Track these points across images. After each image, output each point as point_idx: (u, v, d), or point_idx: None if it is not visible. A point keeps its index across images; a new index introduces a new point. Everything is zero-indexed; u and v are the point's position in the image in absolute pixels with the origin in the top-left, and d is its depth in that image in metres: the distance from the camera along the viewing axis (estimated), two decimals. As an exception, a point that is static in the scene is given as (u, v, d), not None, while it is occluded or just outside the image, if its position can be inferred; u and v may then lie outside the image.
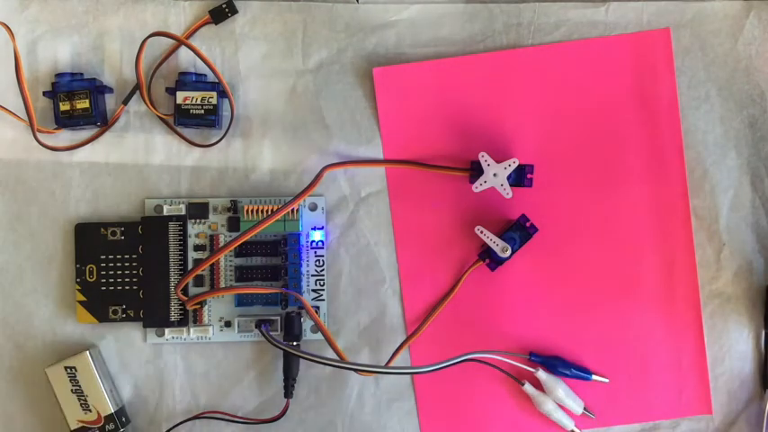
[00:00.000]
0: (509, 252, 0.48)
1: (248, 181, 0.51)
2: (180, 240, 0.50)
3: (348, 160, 0.51)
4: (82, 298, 0.50)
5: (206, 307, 0.51)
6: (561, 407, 0.50)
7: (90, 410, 0.49)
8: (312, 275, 0.51)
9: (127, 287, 0.50)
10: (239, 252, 0.50)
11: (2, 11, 0.51)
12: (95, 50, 0.51)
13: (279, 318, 0.50)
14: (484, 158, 0.48)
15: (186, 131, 0.51)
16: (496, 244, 0.48)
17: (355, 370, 0.47)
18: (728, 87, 0.52)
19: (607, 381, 0.51)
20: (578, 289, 0.51)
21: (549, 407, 0.50)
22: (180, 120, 0.50)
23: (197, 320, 0.51)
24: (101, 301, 0.50)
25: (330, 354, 0.48)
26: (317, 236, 0.51)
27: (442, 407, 0.51)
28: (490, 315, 0.51)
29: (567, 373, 0.50)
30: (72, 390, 0.49)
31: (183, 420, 0.51)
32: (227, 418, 0.51)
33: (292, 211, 0.49)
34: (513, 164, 0.47)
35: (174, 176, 0.51)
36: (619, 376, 0.51)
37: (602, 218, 0.51)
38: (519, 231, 0.49)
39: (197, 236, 0.51)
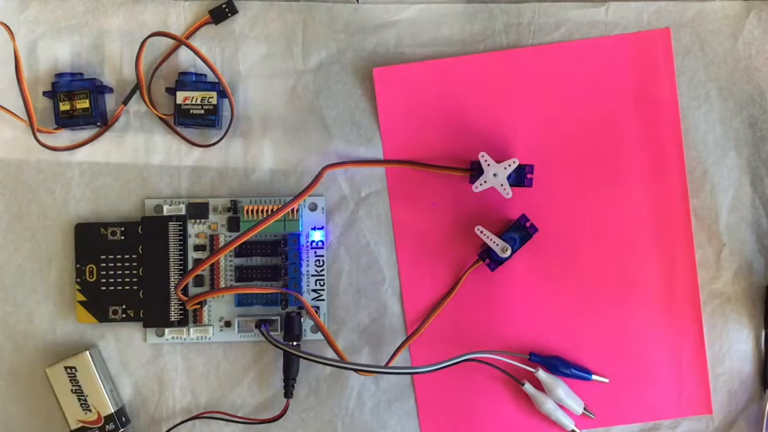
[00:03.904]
0: (509, 252, 0.48)
1: (248, 181, 0.51)
2: (180, 240, 0.50)
3: (348, 160, 0.51)
4: (82, 298, 0.50)
5: (206, 307, 0.51)
6: (561, 407, 0.50)
7: (90, 410, 0.49)
8: (312, 275, 0.51)
9: (127, 287, 0.50)
10: (239, 252, 0.50)
11: (2, 11, 0.51)
12: (95, 50, 0.51)
13: (279, 318, 0.50)
14: (484, 158, 0.48)
15: (186, 131, 0.51)
16: (496, 244, 0.48)
17: (355, 370, 0.47)
18: (728, 87, 0.52)
19: (607, 381, 0.51)
20: (578, 289, 0.51)
21: (549, 407, 0.50)
22: (180, 120, 0.50)
23: (197, 320, 0.51)
24: (101, 301, 0.50)
25: (330, 354, 0.48)
26: (317, 236, 0.51)
27: (442, 407, 0.51)
28: (490, 315, 0.51)
29: (567, 373, 0.50)
30: (72, 390, 0.49)
31: (183, 420, 0.51)
32: (227, 417, 0.51)
33: (292, 211, 0.49)
34: (513, 164, 0.47)
35: (174, 176, 0.51)
36: (619, 376, 0.51)
37: (602, 218, 0.51)
38: (519, 231, 0.49)
39: (197, 236, 0.51)
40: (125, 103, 0.51)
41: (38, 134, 0.50)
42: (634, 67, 0.51)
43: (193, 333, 0.51)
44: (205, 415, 0.51)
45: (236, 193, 0.51)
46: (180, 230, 0.50)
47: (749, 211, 0.52)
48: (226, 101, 0.50)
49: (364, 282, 0.52)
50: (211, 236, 0.51)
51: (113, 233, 0.50)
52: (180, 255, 0.50)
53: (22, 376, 0.51)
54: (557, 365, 0.50)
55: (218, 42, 0.51)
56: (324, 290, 0.51)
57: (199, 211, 0.51)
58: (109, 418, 0.49)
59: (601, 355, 0.51)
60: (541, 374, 0.50)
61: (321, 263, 0.51)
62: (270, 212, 0.47)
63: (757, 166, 0.52)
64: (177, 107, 0.50)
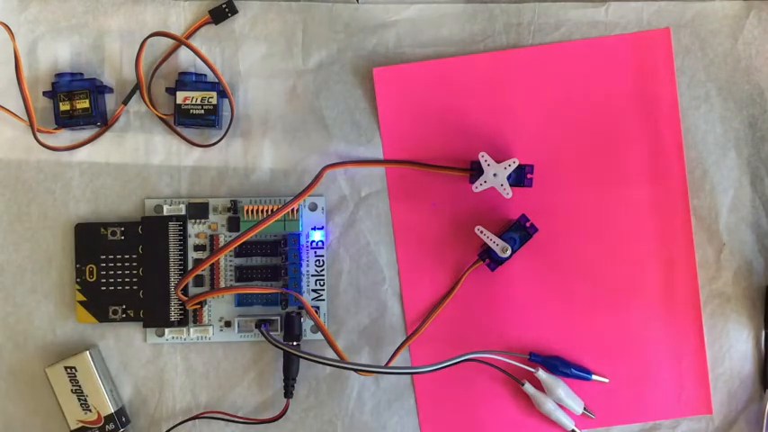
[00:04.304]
0: (509, 252, 0.48)
1: (248, 181, 0.51)
2: (180, 240, 0.50)
3: (348, 160, 0.51)
4: (82, 298, 0.50)
5: (206, 307, 0.51)
6: (561, 407, 0.50)
7: (90, 410, 0.49)
8: (312, 275, 0.51)
9: (127, 287, 0.50)
10: (239, 252, 0.50)
11: (2, 11, 0.51)
12: (95, 50, 0.51)
13: (279, 318, 0.50)
14: (484, 158, 0.48)
15: (186, 131, 0.51)
16: (496, 244, 0.48)
17: (355, 370, 0.47)
18: (728, 87, 0.52)
19: (607, 381, 0.51)
20: (578, 289, 0.51)
21: (549, 407, 0.50)
22: (180, 120, 0.50)
23: (197, 320, 0.51)
24: (101, 301, 0.50)
25: (330, 354, 0.48)
26: (317, 236, 0.51)
27: (442, 407, 0.51)
28: (490, 315, 0.51)
29: (567, 373, 0.50)
30: (72, 390, 0.49)
31: (183, 420, 0.51)
32: (227, 418, 0.51)
33: (292, 211, 0.49)
34: (513, 164, 0.47)
35: (174, 176, 0.51)
36: (619, 376, 0.51)
37: (603, 218, 0.51)
38: (519, 231, 0.49)
39: (197, 236, 0.51)
40: (125, 103, 0.51)
41: (38, 134, 0.50)
42: (634, 67, 0.51)
43: (193, 333, 0.51)
44: (205, 415, 0.51)
45: (236, 193, 0.51)
46: (180, 230, 0.50)
47: (749, 211, 0.52)
48: (226, 101, 0.50)
49: (364, 282, 0.52)
50: (211, 236, 0.51)
51: (113, 233, 0.50)
52: (180, 255, 0.50)
53: (22, 376, 0.51)
54: (557, 365, 0.50)
55: (218, 42, 0.51)
56: (324, 290, 0.51)
57: (199, 211, 0.51)
58: (109, 418, 0.49)
59: (601, 355, 0.51)
60: (541, 374, 0.50)
61: (321, 263, 0.51)
62: (270, 212, 0.47)
63: (757, 166, 0.52)
64: (177, 107, 0.50)
